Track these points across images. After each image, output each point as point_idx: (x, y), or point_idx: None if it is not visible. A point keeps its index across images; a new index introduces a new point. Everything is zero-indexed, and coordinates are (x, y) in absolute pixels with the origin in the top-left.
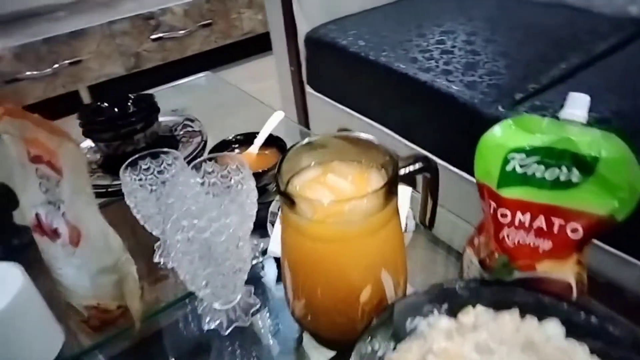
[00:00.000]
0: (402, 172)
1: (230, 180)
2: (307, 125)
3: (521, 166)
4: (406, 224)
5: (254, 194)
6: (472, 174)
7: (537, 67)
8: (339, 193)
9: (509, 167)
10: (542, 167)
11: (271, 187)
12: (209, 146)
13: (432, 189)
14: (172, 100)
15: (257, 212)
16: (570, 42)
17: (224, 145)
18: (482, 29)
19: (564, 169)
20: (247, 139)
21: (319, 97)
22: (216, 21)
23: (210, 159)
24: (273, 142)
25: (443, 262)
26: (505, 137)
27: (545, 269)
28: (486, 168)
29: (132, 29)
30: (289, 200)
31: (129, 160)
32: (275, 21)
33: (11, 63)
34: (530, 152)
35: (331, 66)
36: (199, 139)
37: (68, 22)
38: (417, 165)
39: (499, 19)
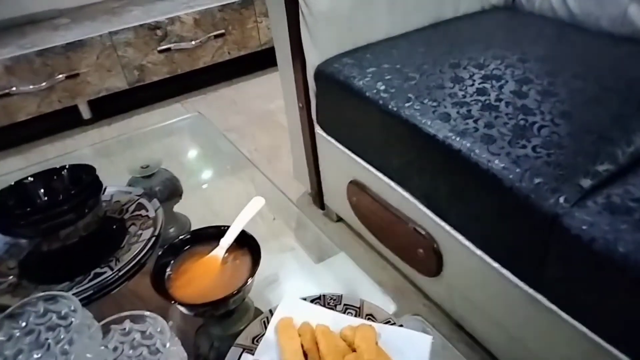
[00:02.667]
0: None
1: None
2: (316, 170)
3: None
4: None
5: None
6: (521, 277)
7: (613, 138)
8: None
9: None
10: None
11: (237, 317)
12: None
13: None
14: (150, 144)
15: None
16: None
17: (178, 245)
18: (538, 74)
19: None
20: (210, 234)
21: (330, 141)
22: (230, 31)
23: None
24: (244, 241)
25: None
26: None
27: None
28: None
29: (136, 39)
30: None
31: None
32: (282, 47)
33: (2, 76)
34: None
35: (343, 109)
36: (149, 232)
37: (65, 32)
38: None
39: (561, 60)
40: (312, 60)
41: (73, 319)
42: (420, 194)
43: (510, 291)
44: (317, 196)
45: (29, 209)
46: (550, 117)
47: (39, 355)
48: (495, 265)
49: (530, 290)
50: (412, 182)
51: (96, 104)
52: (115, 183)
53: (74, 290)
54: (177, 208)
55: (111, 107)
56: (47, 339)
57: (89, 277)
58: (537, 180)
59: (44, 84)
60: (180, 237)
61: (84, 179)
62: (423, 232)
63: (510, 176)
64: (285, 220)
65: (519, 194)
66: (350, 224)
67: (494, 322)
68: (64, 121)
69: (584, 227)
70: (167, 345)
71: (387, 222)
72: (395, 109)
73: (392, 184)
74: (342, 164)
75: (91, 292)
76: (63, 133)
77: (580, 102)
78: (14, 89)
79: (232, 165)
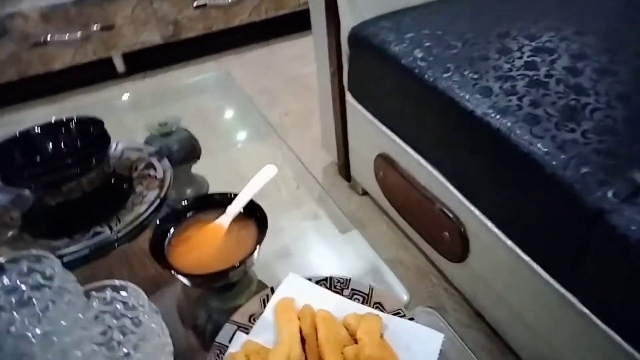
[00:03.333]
0: None
1: (138, 320)
2: (344, 139)
3: None
4: None
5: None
6: (553, 275)
7: None
8: None
9: None
10: None
11: (238, 290)
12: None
13: None
14: (177, 102)
15: None
16: None
17: (182, 210)
18: (596, 50)
19: None
20: (217, 201)
21: (360, 110)
22: None
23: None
24: (252, 211)
25: None
26: None
27: None
28: None
29: None
30: None
31: None
32: (317, 7)
33: (38, 25)
34: None
35: (377, 76)
36: (154, 194)
37: None
38: None
39: (624, 36)
40: (347, 23)
41: (54, 284)
42: (450, 174)
43: (540, 288)
44: (344, 167)
45: (31, 161)
46: (606, 99)
47: (22, 314)
48: (526, 258)
49: (562, 290)
50: (444, 160)
51: (130, 58)
52: (134, 139)
53: (71, 248)
54: (200, 170)
55: (145, 61)
56: (30, 297)
57: (88, 236)
58: (583, 170)
59: (78, 34)
60: (184, 203)
61: (91, 133)
62: (450, 215)
63: (554, 162)
64: (308, 189)
65: (562, 183)
66: (375, 198)
67: (518, 316)
68: (98, 73)
69: (633, 228)
70: (146, 318)
71: (413, 201)
72: (431, 79)
73: (422, 160)
74: (371, 135)
75: (88, 251)
76: (97, 85)
77: None
78: (49, 37)
79: (259, 129)
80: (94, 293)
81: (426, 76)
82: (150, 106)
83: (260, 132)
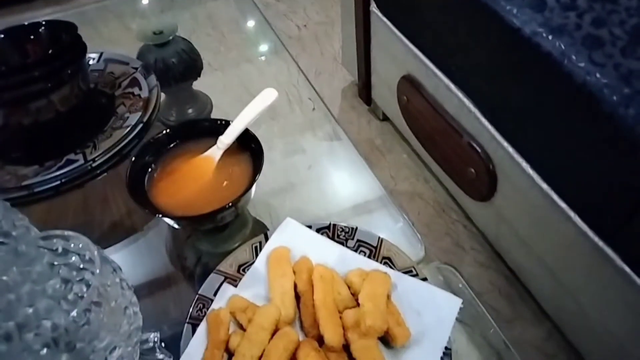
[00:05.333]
0: None
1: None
2: (367, 57)
3: None
4: None
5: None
6: (585, 218)
7: None
8: None
9: None
10: None
11: (230, 233)
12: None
13: None
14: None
15: None
16: None
17: (163, 142)
18: None
19: None
20: (209, 128)
21: (385, 24)
22: None
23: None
24: (246, 141)
25: None
26: None
27: None
28: None
29: None
30: None
31: None
32: None
33: None
34: None
35: None
36: (136, 117)
37: None
38: None
39: None
40: None
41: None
42: (484, 104)
43: (574, 238)
44: (364, 89)
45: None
46: None
47: None
48: (562, 205)
49: (601, 243)
50: (478, 87)
51: None
52: (120, 51)
53: (40, 178)
54: (207, 86)
55: None
56: None
57: (60, 164)
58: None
59: None
60: (166, 131)
61: (63, 40)
62: (479, 150)
63: (614, 97)
64: (324, 112)
65: (621, 124)
66: (396, 125)
67: (541, 263)
68: None
69: None
70: (97, 272)
71: (438, 131)
72: None
73: (452, 86)
74: (396, 53)
75: (58, 182)
76: None
77: None
78: None
79: (275, 42)
80: (42, 242)
81: None
82: (154, 13)
83: (276, 46)
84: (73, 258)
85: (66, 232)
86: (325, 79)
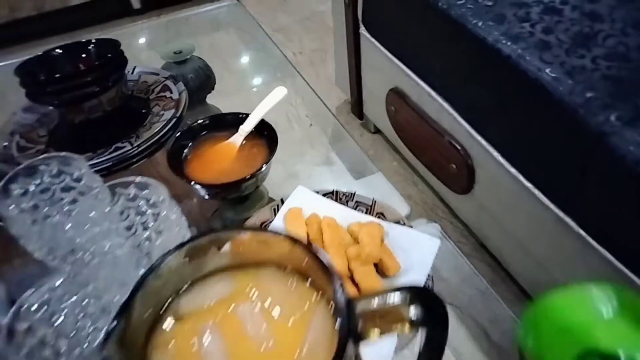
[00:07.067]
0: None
1: (158, 215)
2: (357, 75)
3: None
4: None
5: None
6: (553, 199)
7: None
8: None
9: None
10: None
11: (251, 203)
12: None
13: (433, 350)
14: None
15: None
16: None
17: (197, 129)
18: None
19: None
20: (230, 121)
21: (374, 44)
22: None
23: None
24: (262, 130)
25: (476, 347)
26: (587, 320)
27: None
28: (542, 347)
29: None
30: None
31: (18, 168)
32: None
33: None
34: None
35: (391, 8)
36: (170, 113)
37: None
38: (412, 314)
39: None
40: None
41: (81, 183)
42: (460, 105)
43: (540, 213)
44: (357, 105)
45: (54, 79)
46: (620, 26)
47: (55, 212)
48: (528, 185)
49: (561, 214)
50: (454, 91)
51: None
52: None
53: (95, 160)
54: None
55: None
56: (62, 198)
57: (110, 150)
58: (589, 95)
59: None
60: (199, 121)
61: (109, 54)
62: (458, 147)
63: (561, 88)
64: (322, 127)
65: (567, 108)
66: (387, 135)
67: (519, 244)
68: (114, 10)
69: (631, 148)
70: (165, 212)
71: (423, 135)
72: (445, 6)
73: (433, 93)
74: (384, 69)
75: (110, 163)
76: (113, 22)
77: None
78: None
79: (274, 66)
80: (118, 189)
81: (440, 3)
82: (163, 43)
83: (274, 71)
84: (141, 202)
85: (138, 179)
86: (320, 99)
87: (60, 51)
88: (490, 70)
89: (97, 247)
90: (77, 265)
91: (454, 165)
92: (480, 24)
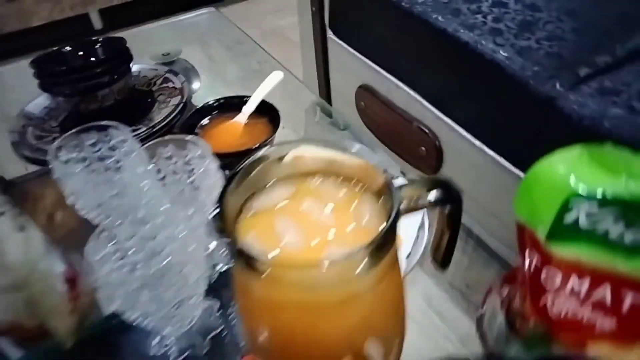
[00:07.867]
0: (408, 204)
1: (192, 171)
2: (326, 79)
3: (588, 218)
4: (408, 255)
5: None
6: (514, 163)
7: (615, 34)
8: (314, 233)
9: (569, 218)
10: (621, 224)
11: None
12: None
13: (451, 223)
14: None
15: None
16: None
17: (204, 111)
18: None
19: None
20: (233, 104)
21: (342, 46)
22: None
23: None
24: (265, 110)
25: (455, 306)
26: (570, 172)
27: (602, 351)
28: (534, 208)
29: None
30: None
31: (67, 135)
32: None
33: None
34: (606, 201)
35: (356, 10)
36: (177, 99)
37: None
38: (434, 196)
39: None
40: None
41: (124, 148)
42: (426, 92)
43: (505, 178)
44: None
45: (66, 71)
46: (556, 15)
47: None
48: (492, 153)
49: (522, 175)
50: (420, 80)
51: (108, 14)
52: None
53: None
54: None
55: (123, 17)
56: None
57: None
58: (536, 68)
59: None
60: (206, 104)
61: (115, 48)
62: (426, 131)
63: (513, 65)
64: (293, 127)
65: (520, 81)
66: (355, 131)
67: (487, 211)
68: (75, 30)
69: (575, 107)
70: (206, 163)
71: (392, 124)
72: (407, 5)
73: (401, 84)
74: (352, 68)
75: None
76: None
77: (588, 1)
78: None
79: (245, 67)
80: (159, 150)
81: (402, 2)
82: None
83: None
84: (177, 161)
85: (176, 137)
86: (290, 101)
87: (70, 48)
88: (451, 56)
89: (154, 203)
90: (134, 224)
91: (423, 148)
92: (440, 17)
